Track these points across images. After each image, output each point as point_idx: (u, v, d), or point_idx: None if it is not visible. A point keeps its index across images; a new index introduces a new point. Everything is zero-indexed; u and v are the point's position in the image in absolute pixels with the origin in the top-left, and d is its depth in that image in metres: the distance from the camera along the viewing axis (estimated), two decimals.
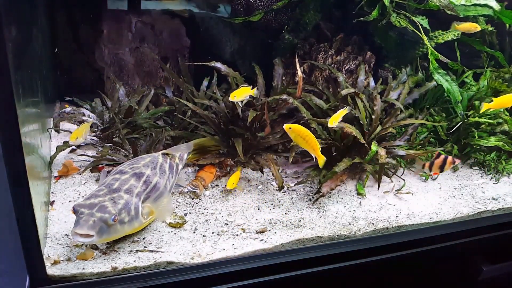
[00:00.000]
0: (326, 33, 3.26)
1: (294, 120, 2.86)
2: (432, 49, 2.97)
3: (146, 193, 1.97)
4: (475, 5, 3.16)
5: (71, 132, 2.71)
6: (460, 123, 3.03)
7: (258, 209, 2.37)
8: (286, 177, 2.72)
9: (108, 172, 2.16)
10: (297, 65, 2.82)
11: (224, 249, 2.03)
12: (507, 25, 3.35)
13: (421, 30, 2.92)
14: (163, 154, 2.24)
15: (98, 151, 2.64)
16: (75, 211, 1.75)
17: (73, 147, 2.69)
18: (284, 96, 2.69)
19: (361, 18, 2.89)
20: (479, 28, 3.03)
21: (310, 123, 2.65)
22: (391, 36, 3.19)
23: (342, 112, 2.42)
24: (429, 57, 2.96)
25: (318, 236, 2.20)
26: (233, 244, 2.08)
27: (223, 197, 2.45)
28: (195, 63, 2.85)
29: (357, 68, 3.12)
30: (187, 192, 2.42)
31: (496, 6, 3.18)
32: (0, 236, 1.81)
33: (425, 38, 2.92)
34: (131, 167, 2.06)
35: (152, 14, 3.32)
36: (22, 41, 1.85)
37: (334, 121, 2.34)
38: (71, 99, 3.09)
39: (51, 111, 2.98)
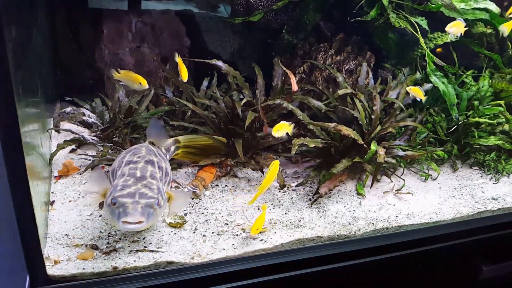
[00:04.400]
0: (326, 33, 3.27)
1: (294, 119, 2.87)
2: (429, 52, 2.98)
3: (163, 178, 1.99)
4: (474, 9, 3.17)
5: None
6: (459, 123, 3.03)
7: (258, 209, 2.37)
8: (286, 177, 2.72)
9: (107, 171, 2.15)
10: (288, 72, 2.83)
11: (224, 249, 2.04)
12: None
13: (419, 32, 2.94)
14: (150, 142, 2.24)
15: (98, 151, 2.65)
16: (115, 203, 1.74)
17: (73, 147, 2.70)
18: (278, 101, 2.70)
19: (359, 18, 2.90)
20: None
21: (307, 124, 2.66)
22: (391, 36, 3.20)
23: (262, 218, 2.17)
24: (426, 59, 2.97)
25: (318, 236, 2.20)
26: (233, 244, 2.08)
27: (223, 197, 2.45)
28: (196, 60, 2.85)
29: (357, 68, 3.13)
30: (187, 192, 2.42)
31: (496, 9, 3.19)
32: (0, 236, 1.81)
33: (422, 41, 2.93)
34: (138, 156, 2.03)
35: (152, 14, 3.32)
36: (22, 41, 1.85)
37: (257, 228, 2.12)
38: (71, 99, 3.09)
39: (51, 111, 2.98)
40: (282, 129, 2.46)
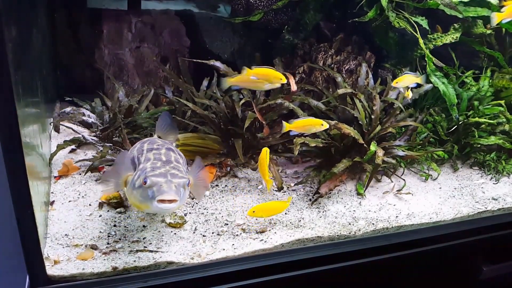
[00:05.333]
0: (326, 33, 3.26)
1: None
2: (428, 53, 2.98)
3: (185, 164, 1.99)
4: (472, 0, 3.15)
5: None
6: (459, 123, 3.03)
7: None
8: (286, 177, 2.72)
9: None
10: (287, 74, 2.83)
11: (224, 249, 2.04)
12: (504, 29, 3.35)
13: (418, 33, 2.93)
14: (158, 136, 2.24)
15: (98, 151, 2.64)
16: (146, 182, 1.72)
17: (73, 147, 2.70)
18: (279, 100, 2.70)
19: (356, 19, 2.90)
20: None
21: None
22: (391, 36, 3.19)
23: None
24: (426, 59, 2.97)
25: (318, 236, 2.20)
26: (233, 244, 2.08)
27: (223, 197, 2.45)
28: (195, 60, 2.85)
29: (357, 68, 3.13)
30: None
31: (495, 1, 3.17)
32: (0, 236, 1.81)
33: (421, 42, 2.93)
34: (156, 144, 2.02)
35: (152, 14, 3.32)
36: (22, 41, 1.84)
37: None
38: (71, 99, 3.08)
39: (51, 111, 2.98)
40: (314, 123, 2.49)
